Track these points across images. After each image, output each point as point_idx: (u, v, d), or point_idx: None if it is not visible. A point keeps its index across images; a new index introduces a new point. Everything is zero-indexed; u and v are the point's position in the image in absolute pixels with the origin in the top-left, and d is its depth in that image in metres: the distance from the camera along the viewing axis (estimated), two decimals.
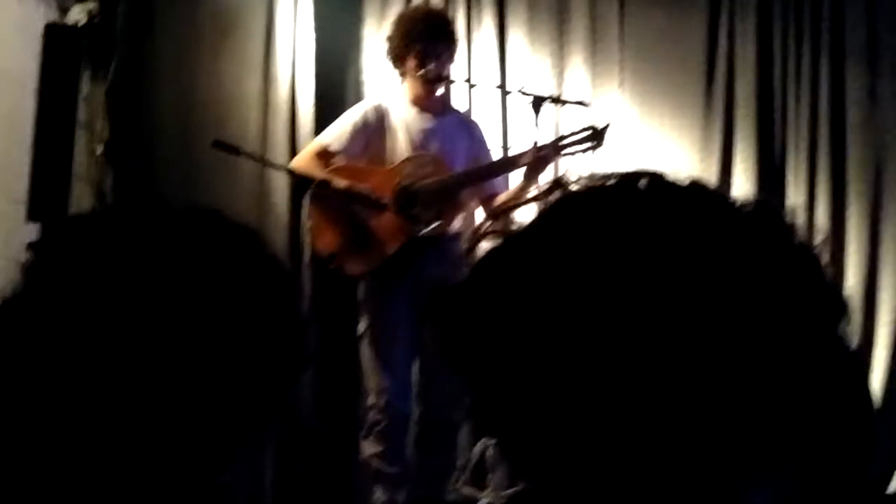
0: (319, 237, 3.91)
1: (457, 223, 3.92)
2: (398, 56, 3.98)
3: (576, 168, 3.96)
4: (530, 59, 4.97)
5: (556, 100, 3.99)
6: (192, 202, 1.02)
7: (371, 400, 3.86)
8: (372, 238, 3.83)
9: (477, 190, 4.00)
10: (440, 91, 4.10)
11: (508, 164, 4.06)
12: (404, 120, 3.96)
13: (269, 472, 4.29)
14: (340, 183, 3.80)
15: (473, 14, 5.00)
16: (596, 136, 3.84)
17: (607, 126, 3.89)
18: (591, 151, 3.88)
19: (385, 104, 4.01)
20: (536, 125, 3.79)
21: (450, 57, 3.99)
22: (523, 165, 3.86)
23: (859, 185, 4.82)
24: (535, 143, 3.78)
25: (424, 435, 3.92)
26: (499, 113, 4.86)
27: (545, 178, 3.88)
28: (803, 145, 4.87)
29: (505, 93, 4.79)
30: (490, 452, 4.13)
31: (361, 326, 3.92)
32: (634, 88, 4.97)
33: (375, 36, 4.73)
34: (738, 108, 4.92)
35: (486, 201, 4.03)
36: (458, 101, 4.69)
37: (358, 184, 3.81)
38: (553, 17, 5.01)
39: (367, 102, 4.12)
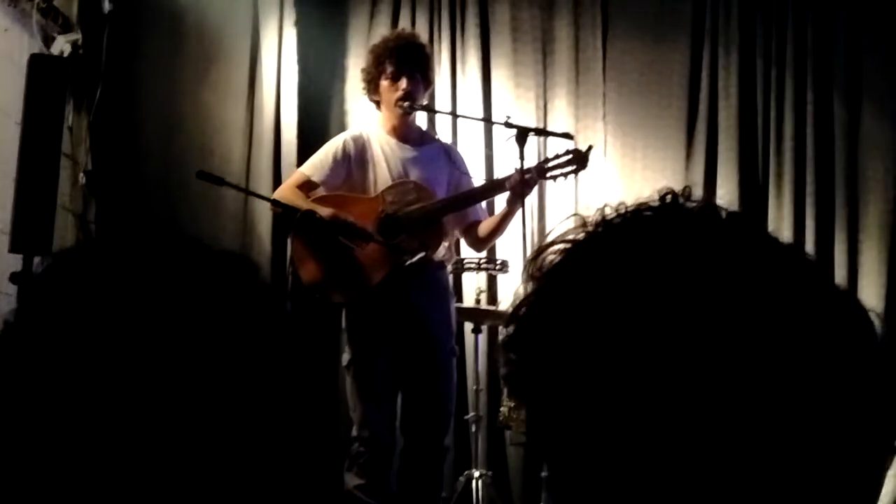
0: (304, 267, 3.90)
1: (441, 251, 3.92)
2: (371, 80, 3.99)
3: (559, 192, 3.96)
4: (514, 92, 5.01)
5: (541, 132, 4.00)
6: (175, 232, 1.02)
7: (354, 431, 3.84)
8: (356, 267, 3.82)
9: (460, 218, 4.00)
10: (415, 116, 4.08)
11: (492, 188, 4.07)
12: (384, 150, 3.96)
13: None
14: (324, 212, 3.80)
15: (458, 48, 5.05)
16: (579, 160, 3.84)
17: (590, 149, 3.89)
18: (574, 175, 3.89)
19: (366, 134, 4.01)
20: (521, 157, 3.80)
21: (424, 81, 3.99)
22: (507, 189, 3.86)
23: (843, 215, 4.86)
24: (518, 165, 3.78)
25: (408, 467, 3.90)
26: (483, 145, 4.90)
27: (529, 202, 3.88)
28: (788, 178, 4.91)
29: (490, 125, 4.81)
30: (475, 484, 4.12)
31: (345, 357, 3.90)
32: (617, 120, 5.02)
33: (359, 66, 4.75)
34: (721, 142, 4.96)
35: (469, 229, 4.03)
36: (444, 134, 4.72)
37: (341, 213, 3.81)
38: (537, 51, 5.06)
39: (348, 133, 4.12)
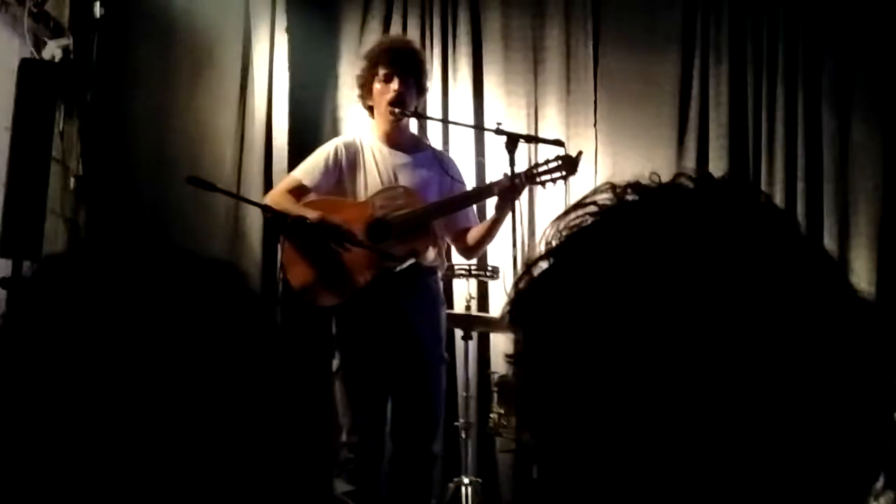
0: (293, 271, 3.90)
1: (431, 256, 3.92)
2: (365, 84, 4.00)
3: (549, 199, 3.97)
4: (506, 100, 5.02)
5: (531, 139, 4.01)
6: (166, 238, 1.02)
7: (344, 437, 3.84)
8: (345, 270, 3.82)
9: (450, 224, 4.00)
10: (408, 122, 4.09)
11: (481, 193, 4.08)
12: (376, 156, 3.97)
13: None
14: (311, 215, 3.80)
15: (450, 54, 5.06)
16: (569, 165, 3.85)
17: (580, 154, 3.91)
18: (563, 181, 3.90)
19: (358, 141, 4.02)
20: (511, 164, 3.80)
21: (417, 86, 4.00)
22: (496, 194, 3.87)
23: (834, 224, 4.88)
24: (509, 172, 3.79)
25: (397, 473, 3.90)
26: (474, 152, 4.91)
27: (519, 208, 3.88)
28: (778, 187, 4.92)
29: (481, 132, 4.82)
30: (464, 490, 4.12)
31: (335, 363, 3.90)
32: (608, 128, 5.03)
33: (352, 72, 4.76)
34: (711, 150, 4.98)
35: (459, 236, 4.04)
36: (435, 140, 4.73)
37: (329, 216, 3.81)
38: (528, 59, 5.08)
39: (341, 139, 4.14)
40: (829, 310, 0.71)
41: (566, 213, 0.75)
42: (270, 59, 4.91)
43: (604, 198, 0.75)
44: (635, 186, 0.75)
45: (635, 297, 0.69)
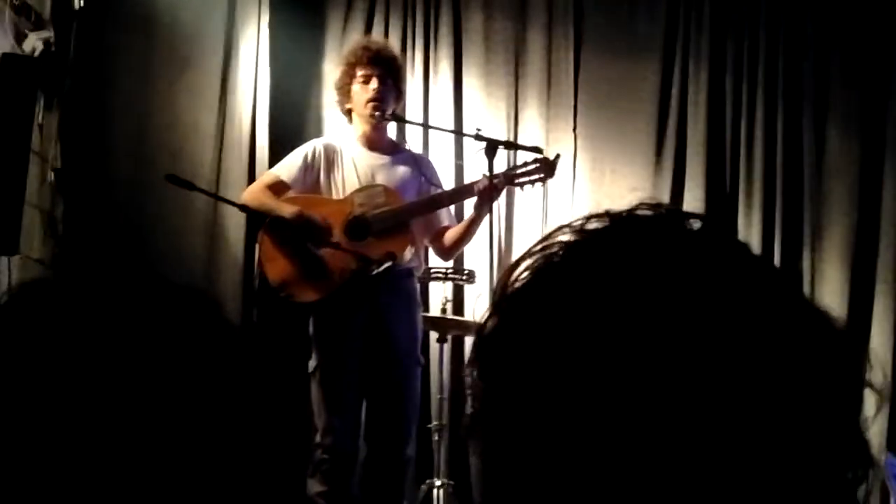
0: (271, 267, 3.91)
1: (408, 257, 3.94)
2: (343, 86, 4.02)
3: (527, 202, 4.00)
4: (486, 102, 5.04)
5: (510, 145, 4.03)
6: (140, 267, 1.04)
7: (318, 439, 3.85)
8: (323, 268, 3.84)
9: (429, 224, 4.02)
10: (386, 126, 4.11)
11: (461, 193, 4.10)
12: (354, 158, 3.99)
13: None
14: (291, 211, 3.81)
15: (431, 59, 5.08)
16: (547, 168, 3.89)
17: (558, 157, 3.94)
18: (542, 183, 3.93)
19: (338, 143, 4.04)
20: (490, 169, 3.83)
21: (395, 89, 4.03)
22: (475, 195, 3.90)
23: (810, 232, 4.92)
24: (488, 174, 3.82)
25: (371, 475, 3.92)
26: (454, 155, 4.93)
27: (497, 212, 3.91)
28: (757, 197, 4.96)
29: (460, 136, 4.84)
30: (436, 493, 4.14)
31: (311, 364, 3.91)
32: (587, 133, 5.05)
33: (336, 73, 4.76)
34: (689, 156, 5.01)
35: (437, 236, 4.06)
36: (415, 142, 4.75)
37: (306, 212, 3.83)
38: (509, 62, 5.09)
39: (320, 139, 4.17)
40: (775, 330, 0.70)
41: (511, 269, 0.76)
42: (256, 58, 4.91)
43: (561, 239, 0.75)
44: (590, 223, 0.75)
45: (589, 343, 0.69)
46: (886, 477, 4.06)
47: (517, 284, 0.75)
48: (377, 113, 3.93)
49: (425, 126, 4.90)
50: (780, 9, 5.04)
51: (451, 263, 4.39)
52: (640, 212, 0.76)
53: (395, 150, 4.12)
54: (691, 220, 0.75)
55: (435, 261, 4.39)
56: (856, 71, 4.98)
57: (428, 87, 5.06)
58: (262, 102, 4.87)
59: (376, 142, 4.03)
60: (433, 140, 4.96)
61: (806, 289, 4.81)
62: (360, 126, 4.02)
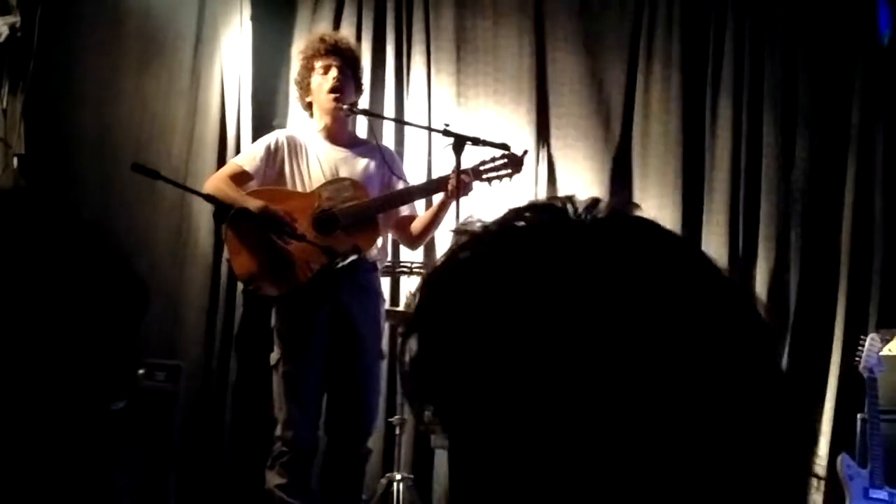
0: (237, 260, 3.89)
1: (373, 251, 3.93)
2: (302, 80, 4.04)
3: (493, 193, 4.01)
4: (456, 101, 5.05)
5: (478, 141, 4.04)
6: (108, 220, 1.04)
7: (278, 431, 3.84)
8: (288, 262, 3.82)
9: (387, 215, 4.02)
10: (349, 119, 4.13)
11: (430, 188, 4.11)
12: (318, 151, 3.99)
13: (172, 498, 4.25)
14: (255, 204, 3.79)
15: (404, 54, 5.08)
16: (514, 163, 3.91)
17: (525, 153, 3.98)
18: (509, 178, 3.94)
19: (300, 137, 4.04)
20: (458, 165, 3.83)
21: (354, 79, 4.04)
22: (442, 190, 3.91)
23: (768, 232, 4.97)
24: (455, 169, 3.83)
25: (330, 468, 3.91)
26: (427, 150, 4.94)
27: (464, 206, 3.91)
28: (721, 199, 4.99)
29: (430, 132, 4.85)
30: (396, 487, 4.14)
31: (273, 356, 3.90)
32: (556, 133, 5.08)
33: None
34: (652, 156, 5.04)
35: (401, 224, 4.06)
36: (388, 138, 4.76)
37: (272, 206, 3.81)
38: (479, 59, 5.12)
39: (283, 131, 4.17)
40: (694, 313, 0.71)
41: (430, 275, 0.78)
42: (235, 51, 4.89)
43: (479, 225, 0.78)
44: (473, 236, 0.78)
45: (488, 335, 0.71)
46: (841, 477, 4.11)
47: (438, 268, 0.78)
48: (339, 104, 3.94)
49: (394, 120, 4.91)
50: (746, 9, 5.08)
51: (419, 259, 4.40)
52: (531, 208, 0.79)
53: (356, 143, 4.13)
54: (598, 209, 0.77)
55: (405, 255, 4.40)
56: (820, 72, 5.02)
57: (401, 82, 5.08)
58: (245, 95, 4.87)
59: (338, 135, 4.04)
60: (408, 136, 4.97)
61: (765, 289, 4.86)
62: (321, 119, 4.02)
